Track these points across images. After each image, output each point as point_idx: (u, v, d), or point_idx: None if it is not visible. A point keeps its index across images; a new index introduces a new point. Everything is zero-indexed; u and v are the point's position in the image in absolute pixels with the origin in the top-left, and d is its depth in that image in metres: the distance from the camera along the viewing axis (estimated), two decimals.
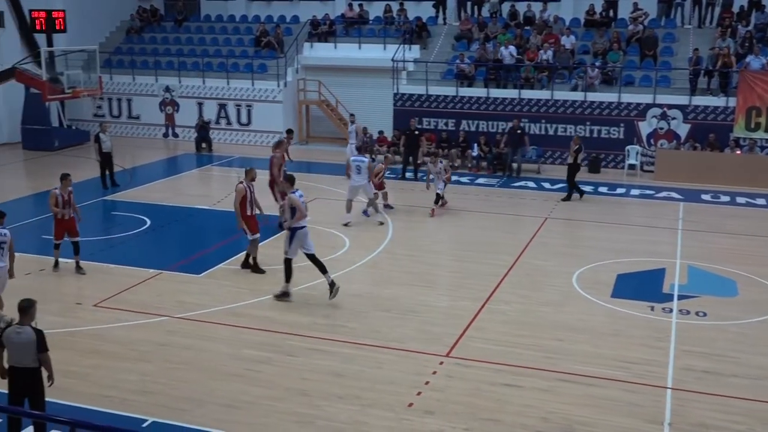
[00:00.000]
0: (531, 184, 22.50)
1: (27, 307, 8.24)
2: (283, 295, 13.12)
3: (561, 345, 11.47)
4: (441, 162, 19.27)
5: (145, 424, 9.11)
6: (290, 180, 13.49)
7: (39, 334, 8.14)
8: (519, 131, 23.43)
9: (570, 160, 20.53)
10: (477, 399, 9.83)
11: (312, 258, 13.09)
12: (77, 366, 10.55)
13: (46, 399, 8.37)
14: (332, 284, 12.91)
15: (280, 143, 18.28)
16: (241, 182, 14.47)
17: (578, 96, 24.83)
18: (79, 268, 14.63)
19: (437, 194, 18.85)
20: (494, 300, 13.27)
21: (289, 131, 20.65)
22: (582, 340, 11.67)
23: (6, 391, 8.30)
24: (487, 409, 9.59)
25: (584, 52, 26.63)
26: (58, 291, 13.80)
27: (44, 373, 8.27)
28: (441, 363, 10.83)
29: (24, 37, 28.69)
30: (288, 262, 13.07)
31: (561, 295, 13.58)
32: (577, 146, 20.40)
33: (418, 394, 9.95)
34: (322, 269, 13.04)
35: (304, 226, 13.05)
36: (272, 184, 17.44)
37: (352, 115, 24.90)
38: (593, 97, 24.68)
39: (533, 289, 13.88)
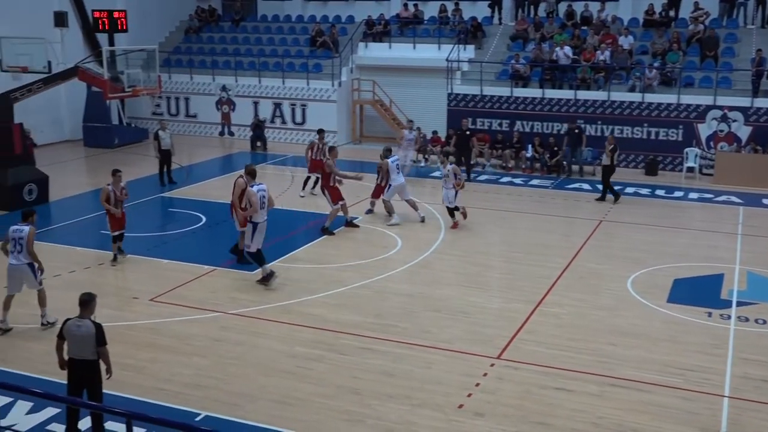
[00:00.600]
0: (586, 185, 22.20)
1: (87, 301, 8.47)
2: (268, 278, 13.56)
3: (614, 350, 11.32)
4: (449, 165, 17.57)
5: (198, 418, 9.25)
6: (250, 173, 13.72)
7: (98, 327, 8.33)
8: (577, 131, 23.18)
9: (606, 161, 20.17)
10: (527, 402, 9.76)
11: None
12: (134, 359, 10.78)
13: (104, 390, 8.56)
14: (271, 273, 13.56)
15: (332, 149, 18.43)
16: (241, 177, 14.47)
17: (636, 97, 24.40)
18: (120, 251, 15.05)
19: (449, 207, 17.49)
20: (547, 303, 13.15)
21: (320, 131, 20.71)
22: (636, 345, 11.49)
23: (65, 382, 8.52)
24: (537, 412, 9.51)
25: (643, 53, 26.17)
26: (115, 285, 14.14)
27: (102, 366, 8.47)
28: (492, 365, 10.78)
29: (86, 37, 29.44)
30: (252, 254, 13.58)
31: (615, 299, 13.38)
32: (612, 146, 20.03)
33: (469, 395, 9.92)
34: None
35: (264, 220, 13.53)
36: (325, 187, 17.53)
37: (410, 121, 24.45)
38: (651, 98, 24.23)
39: (587, 292, 13.71)
